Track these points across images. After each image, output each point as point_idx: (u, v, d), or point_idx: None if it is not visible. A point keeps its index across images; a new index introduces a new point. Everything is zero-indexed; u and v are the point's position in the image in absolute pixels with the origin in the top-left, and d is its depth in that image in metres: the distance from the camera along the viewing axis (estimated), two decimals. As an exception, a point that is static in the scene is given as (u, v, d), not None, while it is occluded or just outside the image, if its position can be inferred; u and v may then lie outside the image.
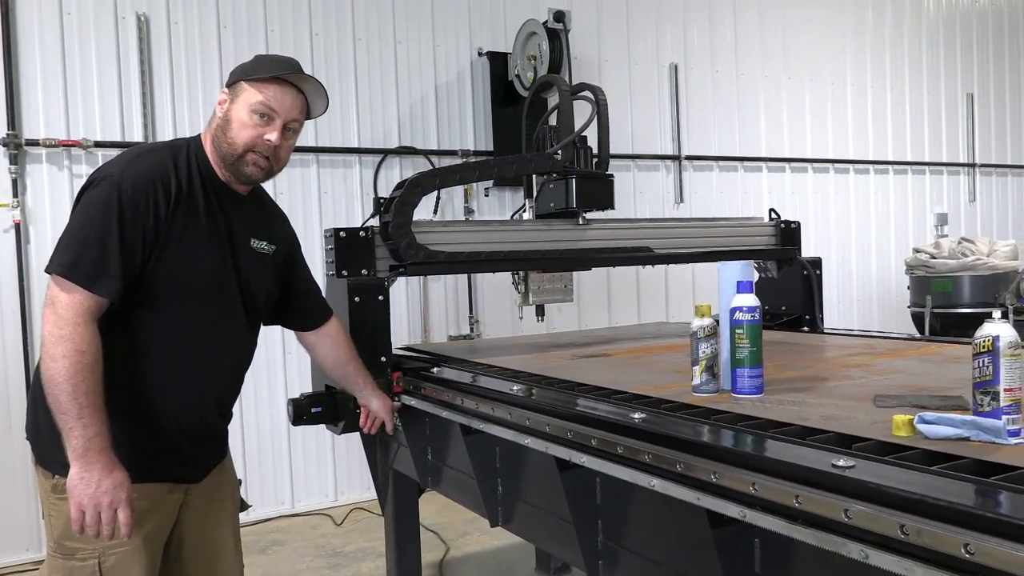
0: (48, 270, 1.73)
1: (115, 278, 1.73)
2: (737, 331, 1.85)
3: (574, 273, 3.19)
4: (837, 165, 6.56)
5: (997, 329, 1.39)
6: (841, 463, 1.27)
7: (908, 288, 5.21)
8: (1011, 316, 4.53)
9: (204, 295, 1.88)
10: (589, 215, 3.04)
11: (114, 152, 4.11)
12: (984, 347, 1.40)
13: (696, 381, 1.89)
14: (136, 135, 4.17)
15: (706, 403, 1.78)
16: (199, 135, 1.98)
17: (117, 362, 1.77)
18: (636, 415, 1.70)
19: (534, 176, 3.19)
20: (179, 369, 1.88)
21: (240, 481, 2.21)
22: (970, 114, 7.32)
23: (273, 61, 2.01)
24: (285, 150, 1.98)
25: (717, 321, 1.92)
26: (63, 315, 1.69)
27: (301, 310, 2.26)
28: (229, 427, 2.13)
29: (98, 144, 4.10)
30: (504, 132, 5.00)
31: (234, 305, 1.96)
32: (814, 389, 1.94)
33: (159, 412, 1.86)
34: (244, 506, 2.20)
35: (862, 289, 6.67)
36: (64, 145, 4.04)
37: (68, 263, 1.71)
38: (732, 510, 1.37)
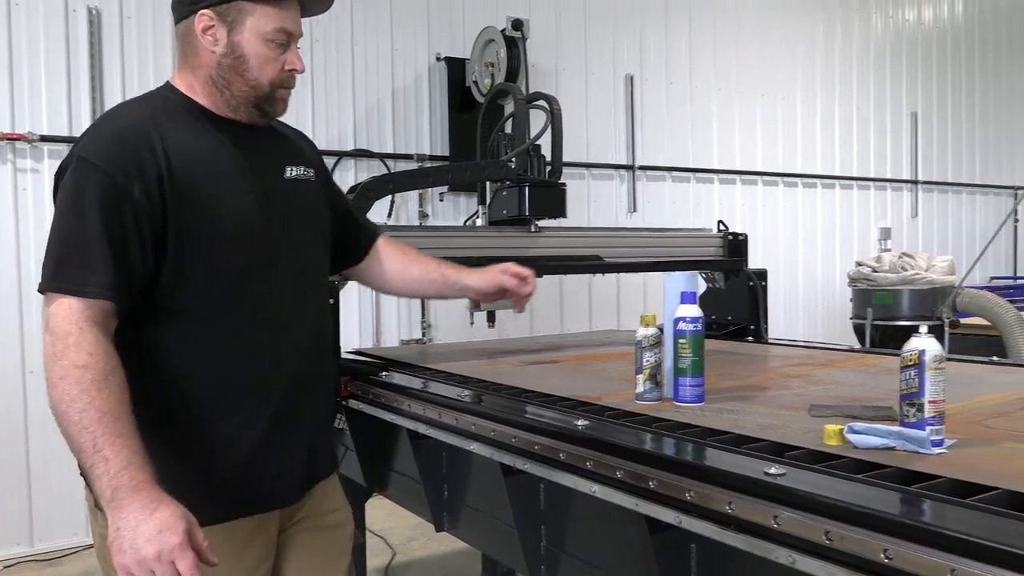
0: (38, 289, 1.44)
1: (105, 272, 1.39)
2: (680, 341, 1.89)
3: (525, 280, 3.22)
4: (786, 179, 6.71)
5: (923, 344, 1.45)
6: (773, 471, 1.31)
7: (851, 300, 5.34)
8: (947, 329, 4.69)
9: (245, 255, 1.53)
10: (541, 223, 3.08)
11: (62, 148, 4.05)
12: (911, 361, 1.45)
13: (639, 389, 1.92)
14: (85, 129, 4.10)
15: (648, 411, 1.82)
16: (167, 83, 1.63)
17: (152, 376, 1.46)
18: (580, 422, 1.73)
19: (488, 183, 3.22)
20: (236, 362, 1.51)
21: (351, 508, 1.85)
22: (914, 132, 7.54)
23: None
24: None
25: (662, 331, 1.96)
26: (56, 330, 1.36)
27: (355, 238, 1.95)
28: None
29: (44, 138, 4.02)
30: (460, 137, 5.02)
31: (290, 256, 1.60)
32: (753, 398, 2.00)
33: (221, 425, 1.51)
34: (357, 539, 1.85)
35: (808, 300, 6.83)
36: (8, 138, 3.96)
37: (50, 273, 1.41)
38: (668, 516, 1.41)
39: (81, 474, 1.45)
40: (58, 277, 1.40)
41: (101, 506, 1.35)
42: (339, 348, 2.61)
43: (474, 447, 1.94)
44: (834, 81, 7.02)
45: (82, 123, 4.10)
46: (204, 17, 1.54)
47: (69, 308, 1.37)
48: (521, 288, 2.06)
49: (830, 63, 7.00)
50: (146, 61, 4.26)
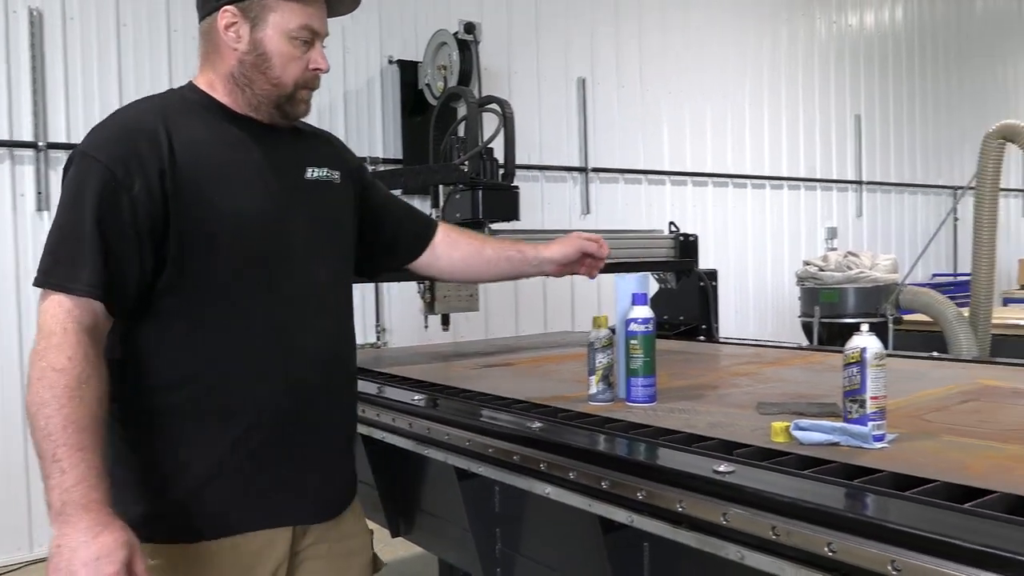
0: (33, 283, 1.38)
1: (95, 270, 1.32)
2: (632, 342, 1.91)
3: (480, 284, 3.23)
4: (735, 180, 6.82)
5: (865, 341, 1.49)
6: (722, 468, 1.34)
7: (799, 299, 5.45)
8: (891, 326, 4.81)
9: (253, 256, 1.45)
10: (495, 225, 3.09)
11: (0, 151, 3.94)
12: (853, 358, 1.50)
13: (592, 390, 1.95)
14: (25, 134, 4.00)
15: (601, 412, 1.84)
16: (189, 82, 1.57)
17: (152, 379, 1.40)
18: (533, 424, 1.75)
19: (441, 186, 3.22)
20: (238, 368, 1.43)
21: (372, 532, 1.72)
22: (858, 134, 7.73)
23: None
24: None
25: (614, 332, 1.99)
26: (42, 328, 1.31)
27: (412, 234, 1.86)
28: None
29: (-16, 141, 3.92)
30: (414, 140, 5.01)
31: (304, 260, 1.52)
32: (704, 397, 2.03)
33: (223, 434, 1.43)
34: (378, 565, 1.69)
35: (758, 299, 6.95)
36: (-54, 142, 3.85)
37: (44, 268, 1.35)
38: (620, 515, 1.43)
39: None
40: (50, 273, 1.34)
41: None
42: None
43: (429, 451, 1.94)
44: (780, 84, 7.16)
45: (23, 126, 4.00)
46: (227, 13, 1.49)
47: (58, 306, 1.31)
48: (599, 251, 1.96)
49: (777, 67, 7.14)
50: (90, 62, 4.17)
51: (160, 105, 1.49)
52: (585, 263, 1.98)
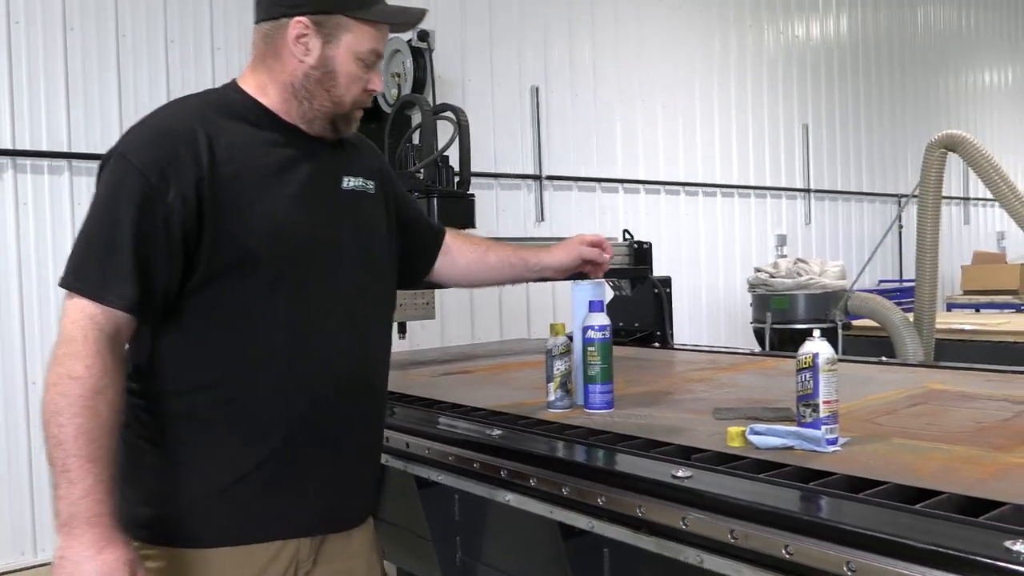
0: (59, 283, 1.35)
1: (126, 281, 1.30)
2: (589, 349, 1.93)
3: (436, 290, 3.22)
4: (687, 188, 6.91)
5: (817, 347, 1.53)
6: (680, 473, 1.36)
7: (751, 305, 5.54)
8: (840, 331, 4.92)
9: (287, 267, 1.42)
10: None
11: (-60, 157, 3.83)
12: (806, 363, 1.53)
13: (551, 397, 1.95)
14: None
15: (560, 419, 1.85)
16: (232, 81, 1.54)
17: (170, 383, 1.38)
18: (493, 432, 1.75)
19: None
20: (264, 378, 1.40)
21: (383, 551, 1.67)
22: (805, 143, 7.89)
23: (383, 0, 1.52)
24: None
25: (571, 339, 2.00)
26: (63, 332, 1.29)
27: (425, 246, 1.83)
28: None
29: (-79, 148, 3.79)
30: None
31: (339, 272, 1.49)
32: (661, 403, 2.05)
33: (238, 442, 1.40)
34: None
35: (711, 305, 7.04)
36: None
37: (71, 269, 1.32)
38: (581, 522, 1.44)
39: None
40: (78, 277, 1.31)
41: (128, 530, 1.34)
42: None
43: (388, 460, 1.93)
44: (730, 94, 7.28)
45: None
46: (300, 24, 1.45)
47: (81, 311, 1.29)
48: (601, 256, 1.92)
49: (726, 76, 7.25)
50: (36, 67, 4.06)
51: (200, 107, 1.45)
52: (587, 267, 1.95)
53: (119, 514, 1.29)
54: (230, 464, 1.39)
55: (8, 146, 3.98)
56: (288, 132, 1.50)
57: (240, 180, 1.39)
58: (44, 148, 4.06)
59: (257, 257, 1.38)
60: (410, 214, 1.78)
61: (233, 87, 1.52)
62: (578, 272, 1.95)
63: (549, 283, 4.84)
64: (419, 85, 4.74)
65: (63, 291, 1.33)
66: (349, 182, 1.56)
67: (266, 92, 1.50)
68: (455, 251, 1.87)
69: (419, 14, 1.59)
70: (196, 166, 1.35)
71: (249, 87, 1.51)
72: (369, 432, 1.58)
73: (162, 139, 1.37)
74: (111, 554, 1.23)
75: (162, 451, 1.39)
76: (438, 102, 4.52)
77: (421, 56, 4.78)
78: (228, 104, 1.48)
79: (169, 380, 1.39)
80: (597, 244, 1.91)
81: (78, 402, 1.24)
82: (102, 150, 4.12)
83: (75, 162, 4.14)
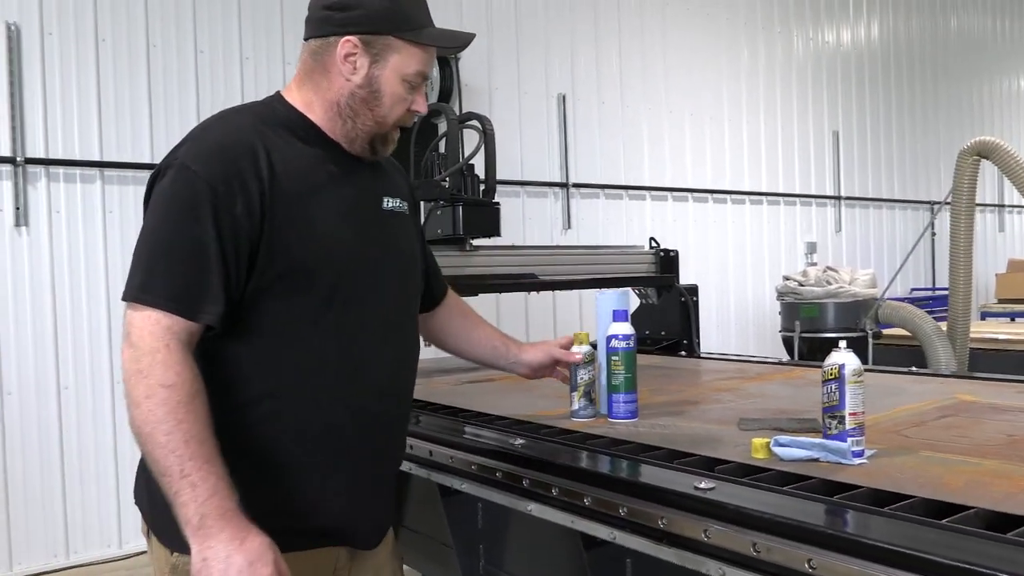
0: (123, 297, 1.35)
1: (218, 299, 1.32)
2: (613, 358, 1.92)
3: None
4: (715, 195, 6.87)
5: (843, 358, 1.51)
6: (703, 485, 1.35)
7: (780, 314, 5.49)
8: (870, 340, 4.85)
9: (336, 284, 1.43)
10: (476, 241, 3.09)
11: (-22, 167, 3.92)
12: (831, 374, 1.51)
13: (574, 407, 1.95)
14: (3, 149, 3.96)
15: (583, 428, 1.84)
16: (277, 94, 1.55)
17: (219, 397, 1.35)
18: (516, 441, 1.75)
19: (422, 202, 3.22)
20: (312, 388, 1.42)
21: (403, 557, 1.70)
22: (836, 150, 7.81)
23: (432, 23, 1.53)
24: None
25: (595, 347, 1.99)
26: (141, 345, 1.28)
27: (430, 287, 1.83)
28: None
29: (-39, 156, 3.88)
30: (395, 155, 4.99)
31: (381, 290, 1.51)
32: (685, 413, 2.04)
33: (285, 454, 1.41)
34: None
35: (739, 314, 6.99)
36: (-79, 157, 3.81)
37: (139, 283, 1.31)
38: (603, 532, 1.43)
39: (136, 501, 1.48)
40: (151, 290, 1.30)
41: (159, 534, 1.38)
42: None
43: (411, 468, 1.94)
44: (759, 100, 7.23)
45: (0, 142, 3.97)
46: (348, 43, 1.46)
47: (156, 323, 1.29)
48: (569, 358, 1.95)
49: (755, 83, 7.21)
50: (69, 78, 4.14)
51: (254, 120, 1.46)
52: (556, 371, 1.97)
53: (163, 523, 1.32)
54: (277, 474, 1.40)
55: (41, 155, 4.05)
56: (332, 149, 1.51)
57: (297, 196, 1.41)
58: (77, 157, 4.13)
59: (311, 271, 1.40)
60: (425, 249, 1.80)
61: (279, 100, 1.53)
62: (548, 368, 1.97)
63: (575, 291, 4.84)
64: (446, 94, 4.77)
65: (128, 302, 1.33)
66: (389, 203, 1.58)
67: (312, 108, 1.51)
68: (450, 313, 1.91)
69: (468, 38, 1.58)
70: (258, 180, 1.37)
71: (296, 102, 1.52)
72: (398, 442, 1.61)
73: (225, 152, 1.38)
74: (253, 541, 1.24)
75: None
76: (465, 110, 4.55)
77: (448, 65, 4.81)
78: (278, 118, 1.49)
79: (221, 393, 1.36)
80: (568, 345, 1.95)
81: (179, 408, 1.25)
82: (133, 159, 4.21)
83: (107, 171, 4.21)
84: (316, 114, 1.51)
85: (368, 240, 1.50)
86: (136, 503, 1.49)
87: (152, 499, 1.38)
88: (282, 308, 1.38)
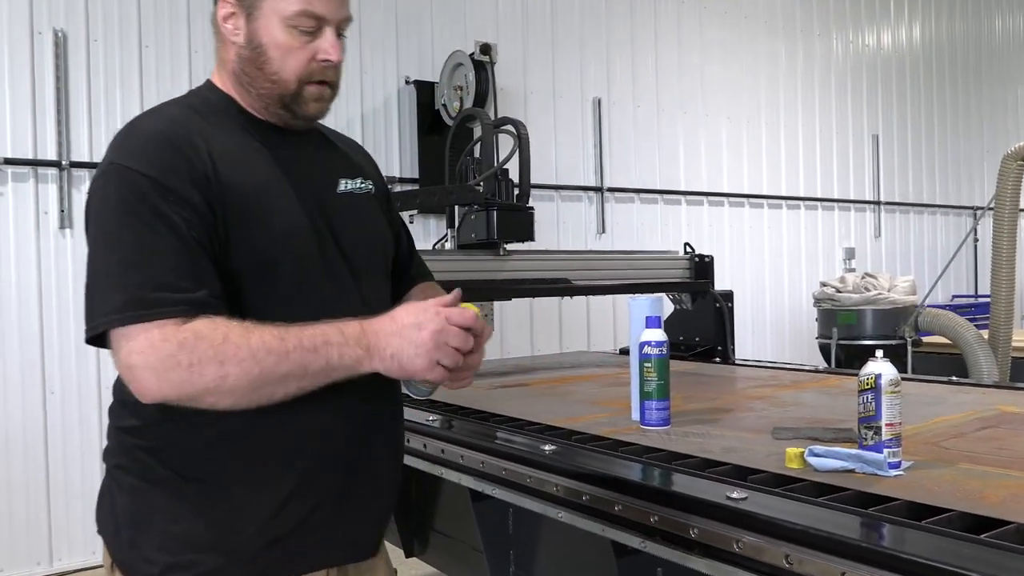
0: (90, 334, 1.18)
1: (207, 279, 1.21)
2: (645, 365, 1.91)
3: (495, 303, 3.24)
4: (751, 200, 6.80)
5: (880, 368, 1.49)
6: (735, 495, 1.34)
7: (816, 320, 5.42)
8: (910, 348, 4.77)
9: (296, 280, 1.31)
10: (510, 246, 3.10)
11: (25, 171, 4.00)
12: (868, 384, 1.49)
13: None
14: (50, 152, 4.06)
15: (615, 435, 1.84)
16: (207, 82, 1.43)
17: (181, 411, 1.22)
18: (547, 447, 1.75)
19: (456, 206, 3.24)
20: (304, 405, 1.25)
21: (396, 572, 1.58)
22: (875, 154, 7.70)
23: None
24: (342, 65, 1.40)
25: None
26: (162, 364, 1.14)
27: (403, 273, 1.64)
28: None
29: (8, 161, 3.97)
30: (430, 159, 5.04)
31: (346, 282, 1.38)
32: (718, 421, 2.02)
33: (276, 467, 1.29)
34: None
35: (775, 320, 6.91)
36: (-29, 161, 3.91)
37: (123, 303, 1.16)
38: (634, 541, 1.43)
39: (99, 530, 1.34)
40: (145, 303, 1.16)
41: (123, 567, 1.29)
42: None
43: (443, 472, 1.95)
44: (797, 104, 7.15)
45: (47, 145, 4.06)
46: (225, 4, 1.35)
47: (167, 336, 1.16)
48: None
49: (793, 87, 7.13)
50: (113, 84, 4.23)
51: (186, 110, 1.35)
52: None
53: (127, 556, 1.27)
54: (261, 491, 1.28)
55: (86, 159, 4.14)
56: (267, 130, 1.39)
57: (243, 187, 1.29)
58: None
59: (265, 268, 1.28)
60: (400, 234, 1.63)
61: (208, 86, 1.42)
62: None
63: (609, 296, 4.83)
64: (481, 98, 4.78)
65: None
66: (346, 184, 1.45)
67: (228, 86, 1.39)
68: (420, 292, 1.65)
69: None
70: (202, 168, 1.25)
71: (219, 83, 1.41)
72: (398, 442, 1.50)
73: (161, 145, 1.25)
74: (402, 317, 1.23)
75: (195, 487, 1.27)
76: (500, 114, 4.56)
77: (483, 69, 4.83)
78: (210, 105, 1.38)
79: (181, 409, 1.22)
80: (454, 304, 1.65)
81: (244, 343, 1.16)
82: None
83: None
84: (233, 92, 1.39)
85: (325, 228, 1.37)
86: (99, 532, 1.36)
87: (118, 528, 1.30)
88: (236, 309, 1.24)
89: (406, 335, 1.22)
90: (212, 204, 1.24)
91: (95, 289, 1.20)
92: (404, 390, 1.43)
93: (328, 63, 1.34)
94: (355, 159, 1.54)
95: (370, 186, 1.50)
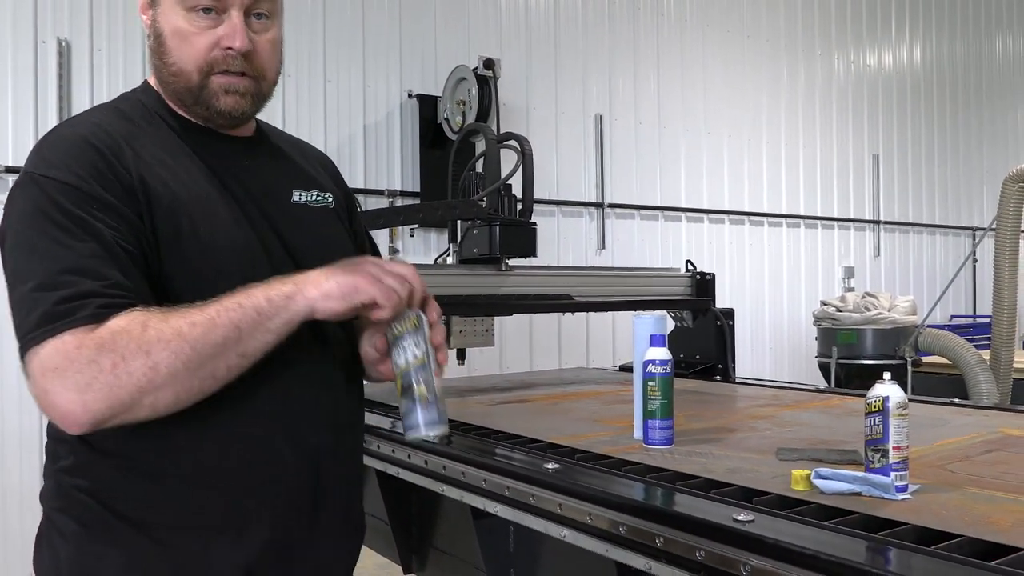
0: (23, 350, 1.06)
1: (126, 282, 1.09)
2: (650, 383, 1.90)
3: (496, 318, 3.23)
4: (752, 217, 6.81)
5: (887, 390, 1.48)
6: (741, 517, 1.32)
7: (816, 339, 5.42)
8: (910, 368, 4.76)
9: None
10: (512, 261, 3.09)
11: (26, 179, 4.00)
12: (875, 407, 1.48)
13: (402, 412, 1.27)
14: (51, 162, 4.06)
15: (618, 454, 1.82)
16: (144, 82, 1.34)
17: (139, 444, 1.14)
18: (549, 465, 1.73)
19: (458, 221, 3.24)
20: (233, 431, 1.18)
21: None
22: (875, 174, 7.72)
23: None
24: (266, 51, 1.27)
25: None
26: (82, 361, 1.03)
27: None
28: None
29: (8, 169, 3.96)
30: (432, 173, 5.04)
31: None
32: (722, 441, 2.01)
33: (234, 509, 1.20)
34: None
35: (774, 338, 6.90)
36: (-28, 169, 3.91)
37: (35, 321, 1.04)
38: (638, 562, 1.41)
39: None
40: (51, 318, 1.04)
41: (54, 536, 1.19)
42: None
43: (444, 489, 1.93)
44: (798, 123, 7.18)
45: (49, 155, 4.06)
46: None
47: (82, 340, 1.04)
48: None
49: (794, 106, 7.16)
50: (116, 93, 4.18)
51: (114, 115, 1.25)
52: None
53: None
54: (221, 541, 1.19)
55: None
56: (207, 136, 1.29)
57: (171, 197, 1.18)
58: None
59: (209, 278, 1.16)
60: (364, 248, 1.54)
61: (143, 88, 1.33)
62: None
63: (609, 313, 4.83)
64: (484, 113, 4.79)
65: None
66: (300, 196, 1.36)
67: (163, 93, 1.30)
68: None
69: None
70: (127, 176, 1.16)
71: (153, 83, 1.32)
72: (358, 474, 1.41)
73: (83, 153, 1.15)
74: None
75: (145, 535, 1.16)
76: (503, 129, 4.57)
77: (486, 84, 4.84)
78: (144, 110, 1.28)
79: (112, 440, 1.14)
80: None
81: (158, 320, 1.06)
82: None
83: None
84: (166, 95, 1.29)
85: (276, 243, 1.27)
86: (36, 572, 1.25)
87: (58, 572, 1.19)
88: None
89: (338, 266, 1.17)
90: (141, 216, 1.15)
91: (14, 308, 1.09)
92: (405, 436, 1.25)
93: (231, 53, 1.22)
94: (312, 171, 1.44)
95: (328, 199, 1.41)
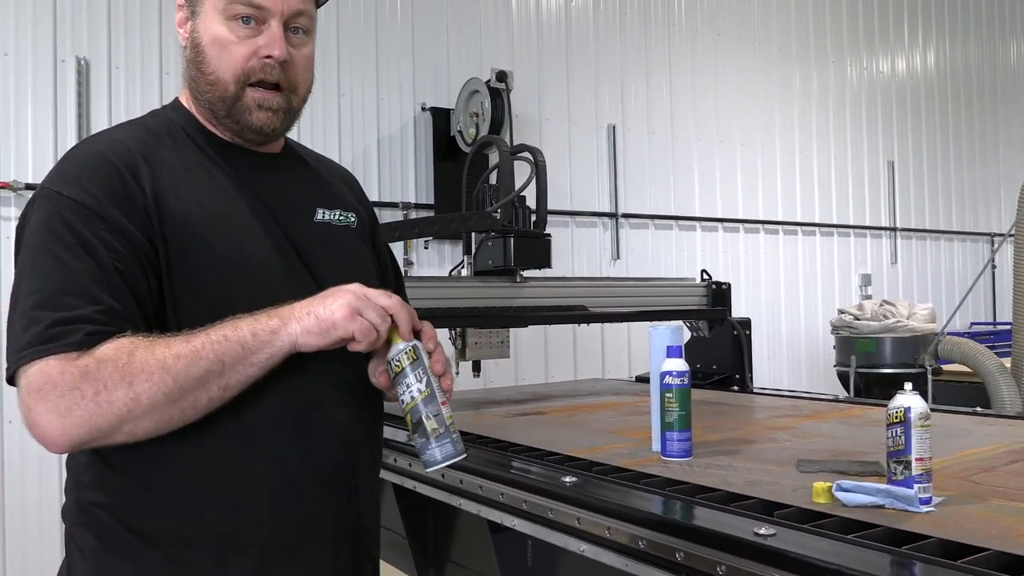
0: (7, 375, 1.09)
1: (119, 306, 1.10)
2: (667, 395, 1.89)
3: (511, 329, 3.22)
4: (767, 226, 6.78)
5: (909, 401, 1.46)
6: (763, 531, 1.31)
7: (834, 348, 5.37)
8: (930, 377, 4.71)
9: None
10: (526, 273, 3.09)
11: (45, 196, 4.04)
12: (897, 418, 1.46)
13: (417, 446, 1.29)
14: (69, 179, 4.09)
15: (636, 466, 1.81)
16: (175, 99, 1.35)
17: (133, 472, 1.16)
18: (567, 478, 1.72)
19: (473, 233, 3.24)
20: (249, 449, 1.18)
21: None
22: (891, 180, 7.67)
23: None
24: (301, 65, 1.28)
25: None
26: (53, 402, 1.03)
27: None
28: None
29: (29, 187, 4.01)
30: (445, 185, 5.05)
31: None
32: (741, 452, 1.99)
33: (249, 526, 1.19)
34: None
35: (792, 347, 6.86)
36: (-8, 187, 3.95)
37: (27, 341, 1.06)
38: (659, 577, 1.40)
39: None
40: (41, 340, 1.06)
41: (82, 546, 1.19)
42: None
43: (461, 503, 1.92)
44: (812, 131, 7.15)
45: (67, 172, 4.09)
46: (180, 8, 1.27)
47: (66, 367, 1.06)
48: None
49: (807, 113, 7.13)
50: (134, 111, 4.27)
51: (139, 133, 1.25)
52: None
53: None
54: (238, 558, 1.19)
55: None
56: (235, 152, 1.29)
57: (192, 215, 1.19)
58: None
59: (220, 305, 1.15)
60: (386, 272, 1.55)
61: (173, 105, 1.33)
62: None
63: (624, 323, 4.81)
64: (497, 125, 4.80)
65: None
66: (324, 215, 1.35)
67: (191, 103, 1.31)
68: None
69: None
70: (141, 195, 1.16)
71: (183, 100, 1.32)
72: (375, 489, 1.41)
73: (96, 172, 1.16)
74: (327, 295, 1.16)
75: (159, 552, 1.17)
76: (516, 141, 4.58)
77: (499, 96, 4.85)
78: (171, 126, 1.28)
79: (122, 472, 1.16)
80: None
81: (145, 351, 1.06)
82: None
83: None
84: (194, 108, 1.30)
85: (292, 257, 1.27)
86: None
87: None
88: None
89: (321, 296, 1.17)
90: (151, 235, 1.16)
91: (10, 324, 1.11)
92: (423, 460, 1.26)
93: (270, 59, 1.22)
94: (336, 189, 1.44)
95: (351, 219, 1.41)
